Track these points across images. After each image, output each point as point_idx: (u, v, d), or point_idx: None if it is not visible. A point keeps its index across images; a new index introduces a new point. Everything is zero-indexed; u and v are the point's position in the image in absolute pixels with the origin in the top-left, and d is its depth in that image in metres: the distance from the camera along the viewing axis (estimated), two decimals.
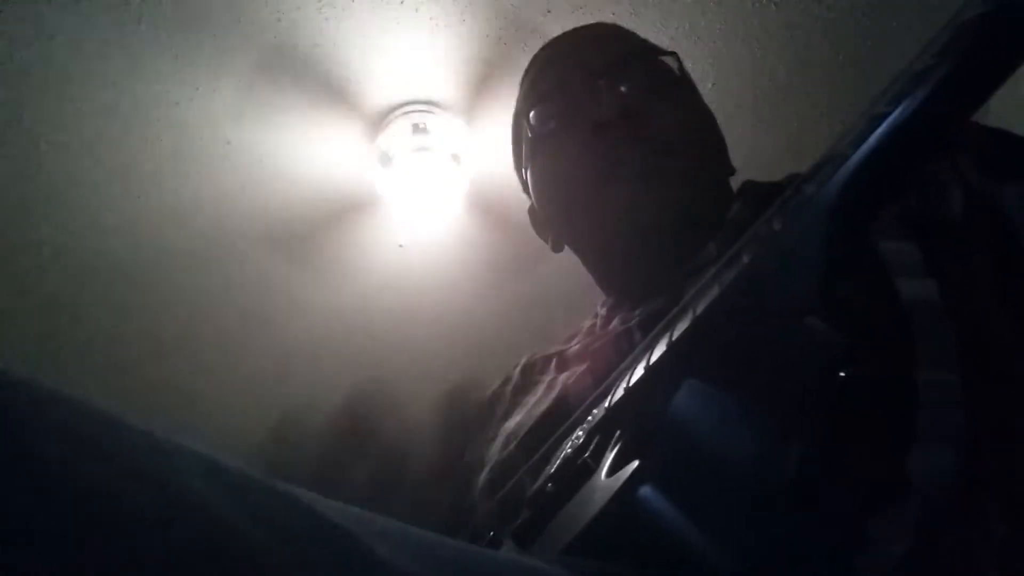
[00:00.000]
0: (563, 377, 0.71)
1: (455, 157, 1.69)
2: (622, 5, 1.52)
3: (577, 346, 0.74)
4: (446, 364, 2.00)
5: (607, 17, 1.52)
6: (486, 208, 1.80)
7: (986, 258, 0.54)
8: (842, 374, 0.42)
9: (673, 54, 0.78)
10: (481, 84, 1.62)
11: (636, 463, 0.40)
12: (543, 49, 0.84)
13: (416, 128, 1.65)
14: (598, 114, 0.70)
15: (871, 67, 1.59)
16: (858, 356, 0.42)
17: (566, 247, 0.82)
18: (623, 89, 0.73)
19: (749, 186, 0.73)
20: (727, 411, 0.43)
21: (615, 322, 0.71)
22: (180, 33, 1.48)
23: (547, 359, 0.78)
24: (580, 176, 0.72)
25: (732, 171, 0.78)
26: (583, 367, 0.67)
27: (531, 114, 0.77)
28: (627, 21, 1.52)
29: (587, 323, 0.79)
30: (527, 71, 0.84)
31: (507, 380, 0.82)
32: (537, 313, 1.93)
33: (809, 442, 0.45)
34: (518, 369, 0.82)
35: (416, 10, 1.51)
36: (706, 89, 1.67)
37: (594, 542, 0.41)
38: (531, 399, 0.73)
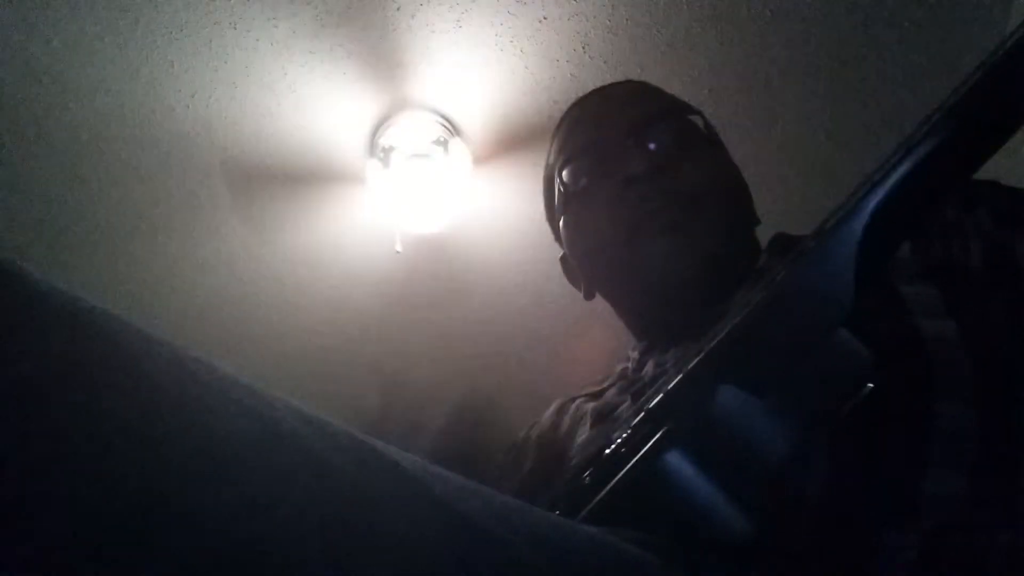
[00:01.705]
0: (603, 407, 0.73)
1: (451, 163, 1.70)
2: (618, 11, 1.53)
3: (612, 389, 0.76)
4: (444, 367, 2.00)
5: (603, 26, 1.53)
6: (480, 216, 1.81)
7: (1002, 303, 0.58)
8: (870, 385, 0.44)
9: (699, 113, 0.81)
10: (477, 90, 1.62)
11: (666, 427, 0.43)
12: (573, 107, 0.87)
13: (412, 134, 1.66)
14: (628, 170, 0.73)
15: (867, 76, 1.61)
16: (881, 379, 0.45)
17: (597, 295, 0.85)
18: (651, 146, 0.75)
19: (779, 237, 0.76)
20: (759, 412, 0.45)
21: (648, 367, 0.73)
22: (176, 39, 1.47)
23: (579, 403, 0.79)
24: (611, 229, 0.74)
25: (758, 222, 0.81)
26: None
27: (564, 172, 0.80)
28: (624, 29, 1.53)
29: (619, 366, 0.81)
30: (558, 127, 0.87)
31: (534, 425, 0.83)
32: (534, 320, 1.94)
33: (831, 451, 0.47)
34: (551, 414, 0.83)
35: (412, 16, 1.51)
36: (702, 96, 1.68)
37: (617, 504, 0.44)
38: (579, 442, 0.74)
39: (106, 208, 1.72)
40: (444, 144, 1.68)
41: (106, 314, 0.30)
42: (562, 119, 0.87)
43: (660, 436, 0.45)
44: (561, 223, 0.83)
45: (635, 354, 0.79)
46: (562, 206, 0.82)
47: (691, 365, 0.49)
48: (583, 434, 0.70)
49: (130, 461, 0.26)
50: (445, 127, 1.67)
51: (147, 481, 0.26)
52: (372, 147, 1.68)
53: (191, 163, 1.67)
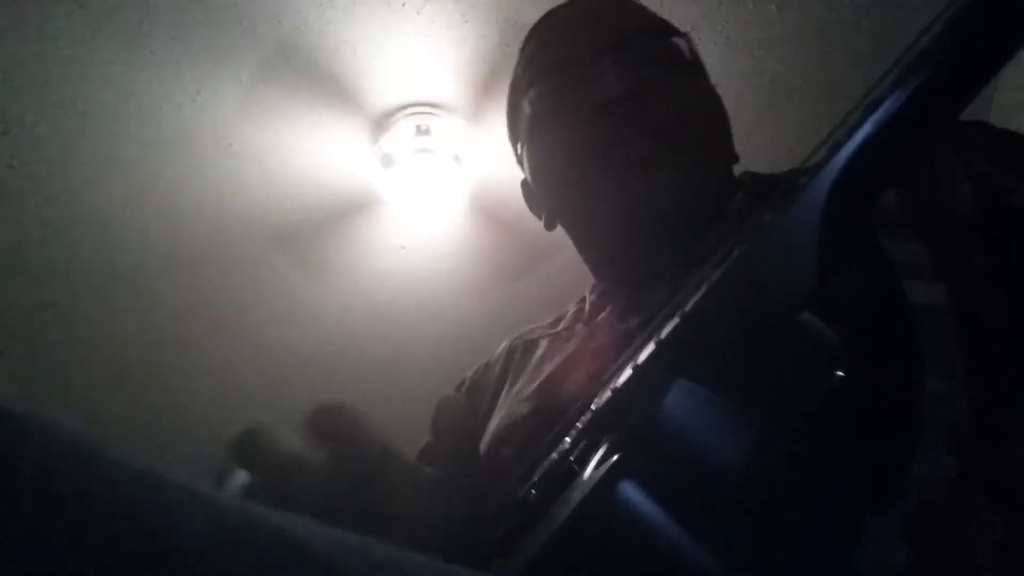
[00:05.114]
0: (551, 368, 0.69)
1: (457, 159, 1.70)
2: None
3: (570, 341, 0.71)
4: (447, 366, 2.00)
5: None
6: (488, 209, 1.80)
7: (994, 256, 0.53)
8: (839, 373, 0.40)
9: (685, 36, 0.74)
10: (483, 86, 1.62)
11: (617, 456, 0.39)
12: (547, 17, 0.79)
13: (418, 130, 1.66)
14: (601, 94, 0.67)
15: (871, 68, 1.58)
16: (857, 356, 0.41)
17: (559, 225, 0.80)
18: (629, 69, 0.68)
19: (748, 178, 0.71)
20: (718, 411, 0.42)
21: (605, 313, 0.69)
22: (182, 36, 1.48)
23: (531, 344, 0.76)
24: (579, 158, 0.69)
25: (736, 159, 0.74)
26: (580, 367, 0.65)
27: (531, 89, 0.74)
28: None
29: (573, 307, 0.77)
30: (527, 39, 0.79)
31: (487, 366, 0.80)
32: (539, 314, 1.93)
33: (802, 443, 0.44)
34: (500, 355, 0.79)
35: (418, 12, 1.51)
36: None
37: (570, 541, 0.40)
38: (515, 390, 0.71)
39: (108, 202, 1.74)
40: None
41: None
42: (533, 29, 0.79)
43: (612, 465, 0.40)
44: (525, 146, 0.77)
45: (592, 296, 0.75)
46: (528, 126, 0.75)
47: (641, 360, 0.46)
48: (531, 400, 0.66)
49: None
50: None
51: None
52: (378, 145, 1.69)
53: (197, 158, 1.68)
